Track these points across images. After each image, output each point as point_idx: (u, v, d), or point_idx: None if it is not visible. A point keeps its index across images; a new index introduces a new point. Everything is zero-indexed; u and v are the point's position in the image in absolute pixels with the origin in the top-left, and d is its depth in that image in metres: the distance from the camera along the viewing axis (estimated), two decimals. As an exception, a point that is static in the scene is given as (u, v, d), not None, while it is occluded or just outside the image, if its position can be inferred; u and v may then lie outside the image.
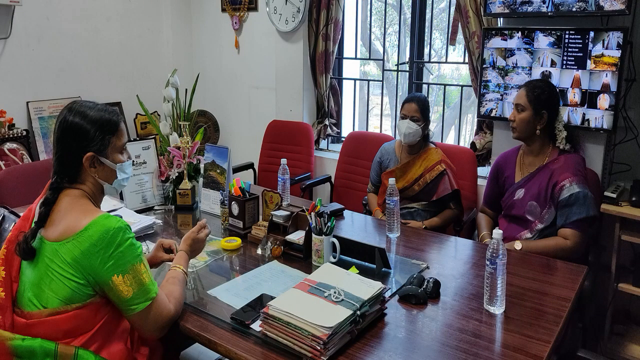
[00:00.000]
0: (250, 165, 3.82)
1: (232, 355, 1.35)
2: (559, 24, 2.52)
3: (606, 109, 2.39)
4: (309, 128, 3.66)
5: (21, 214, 1.50)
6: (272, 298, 1.48)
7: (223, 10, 4.15)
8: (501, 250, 1.46)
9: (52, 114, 3.53)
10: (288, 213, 2.00)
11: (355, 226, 2.32)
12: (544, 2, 2.47)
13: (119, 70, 3.97)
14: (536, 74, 2.58)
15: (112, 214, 1.40)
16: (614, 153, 2.61)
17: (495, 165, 2.39)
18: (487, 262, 1.48)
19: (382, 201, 2.59)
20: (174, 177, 2.43)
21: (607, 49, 2.35)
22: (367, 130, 3.89)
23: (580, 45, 2.42)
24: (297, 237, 1.92)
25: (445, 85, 3.54)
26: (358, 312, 1.35)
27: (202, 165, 2.46)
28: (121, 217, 1.40)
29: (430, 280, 1.62)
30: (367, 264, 1.83)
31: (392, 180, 2.09)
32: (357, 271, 1.70)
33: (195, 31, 4.41)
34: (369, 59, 5.12)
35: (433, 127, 3.03)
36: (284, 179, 2.39)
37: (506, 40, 2.65)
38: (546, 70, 2.55)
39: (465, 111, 4.44)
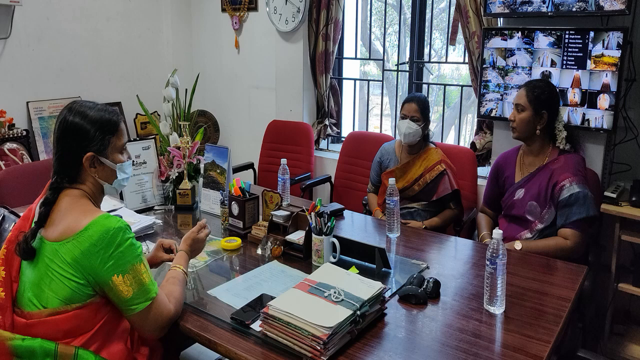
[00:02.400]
0: (250, 165, 3.82)
1: (232, 355, 1.35)
2: (559, 24, 2.52)
3: (606, 109, 2.39)
4: (309, 128, 3.66)
5: (21, 214, 1.50)
6: (272, 298, 1.48)
7: (223, 10, 4.15)
8: (501, 250, 1.46)
9: (52, 114, 3.53)
10: (288, 213, 2.00)
11: (355, 226, 2.32)
12: (544, 2, 2.47)
13: (119, 70, 3.97)
14: (536, 74, 2.58)
15: (112, 214, 1.40)
16: (614, 153, 2.61)
17: (495, 165, 2.39)
18: (487, 262, 1.48)
19: (382, 201, 2.59)
20: (174, 177, 2.43)
21: (607, 49, 2.35)
22: (367, 130, 3.89)
23: (580, 45, 2.42)
24: (297, 237, 1.92)
25: (445, 85, 3.54)
26: (358, 312, 1.35)
27: (202, 165, 2.46)
28: (121, 217, 1.40)
29: (430, 280, 1.62)
30: (367, 264, 1.83)
31: (392, 180, 2.09)
32: (357, 271, 1.70)
33: (195, 31, 4.41)
34: (369, 59, 5.12)
35: (433, 127, 3.03)
36: (284, 179, 2.39)
37: (506, 40, 2.65)
38: (546, 70, 2.55)
39: (465, 111, 4.44)
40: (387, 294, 1.56)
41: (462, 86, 3.38)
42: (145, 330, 1.39)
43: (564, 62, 2.49)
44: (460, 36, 3.00)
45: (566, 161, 2.12)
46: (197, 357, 2.48)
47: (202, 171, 2.46)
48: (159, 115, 4.04)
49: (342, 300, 1.37)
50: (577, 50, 2.44)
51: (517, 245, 2.09)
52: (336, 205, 2.43)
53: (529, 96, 2.14)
